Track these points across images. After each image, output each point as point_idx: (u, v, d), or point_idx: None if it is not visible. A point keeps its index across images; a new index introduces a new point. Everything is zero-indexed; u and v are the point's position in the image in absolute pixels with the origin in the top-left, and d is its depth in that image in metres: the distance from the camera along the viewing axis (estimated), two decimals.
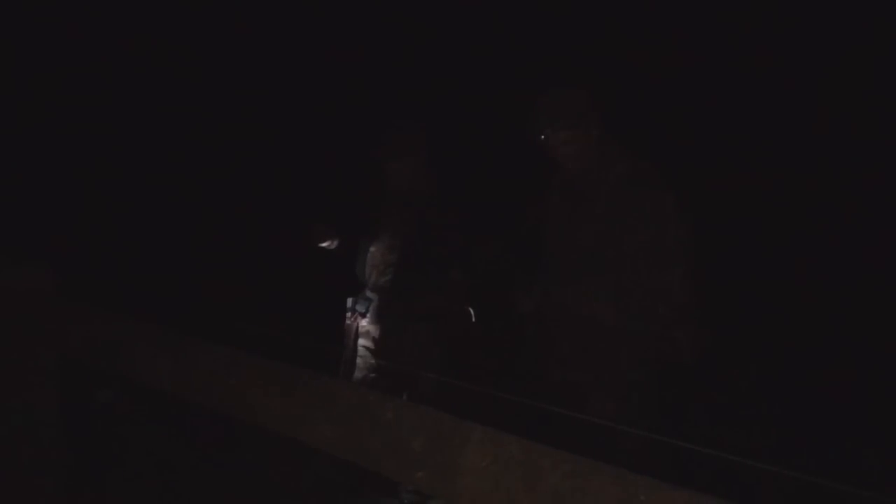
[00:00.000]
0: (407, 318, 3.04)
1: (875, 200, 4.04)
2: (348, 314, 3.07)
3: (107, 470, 2.60)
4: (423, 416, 1.22)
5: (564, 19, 4.57)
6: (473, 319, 3.11)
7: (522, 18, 4.87)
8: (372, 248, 3.12)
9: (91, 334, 1.90)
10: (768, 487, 1.36)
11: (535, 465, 1.06)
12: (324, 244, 3.08)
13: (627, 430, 1.59)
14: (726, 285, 3.99)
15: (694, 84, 4.35)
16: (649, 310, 2.44)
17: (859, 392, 3.47)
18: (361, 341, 3.07)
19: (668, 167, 2.51)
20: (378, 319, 3.06)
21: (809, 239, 4.12)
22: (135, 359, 1.75)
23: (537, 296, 2.64)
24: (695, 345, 2.46)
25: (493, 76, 4.69)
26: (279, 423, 1.42)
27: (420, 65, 4.92)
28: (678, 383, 2.56)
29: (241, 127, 5.23)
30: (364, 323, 3.05)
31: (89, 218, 4.67)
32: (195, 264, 4.69)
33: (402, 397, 1.64)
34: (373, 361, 3.07)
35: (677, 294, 2.45)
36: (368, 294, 3.07)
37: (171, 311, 2.26)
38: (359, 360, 3.08)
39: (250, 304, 4.06)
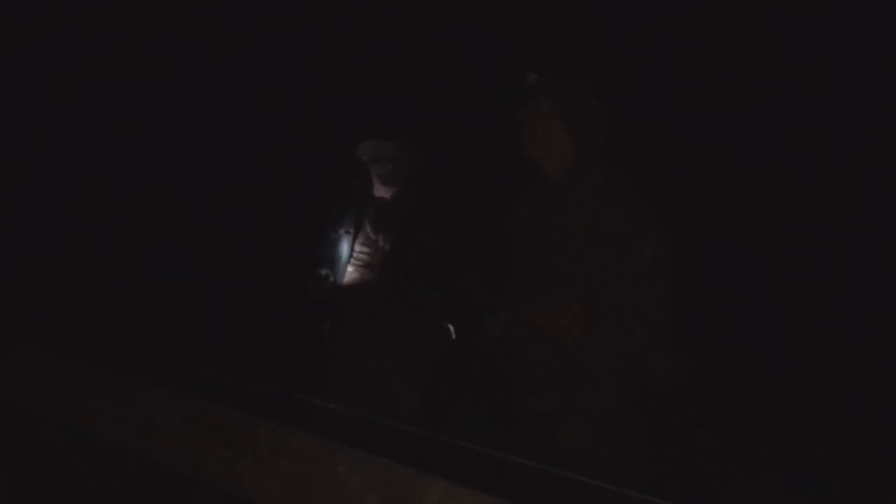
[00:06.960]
0: (392, 338, 2.90)
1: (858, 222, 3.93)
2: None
3: None
4: (378, 471, 1.10)
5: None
6: (454, 337, 2.98)
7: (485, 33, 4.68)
8: (350, 269, 2.98)
9: (28, 376, 1.76)
10: None
11: None
12: (321, 296, 2.93)
13: (608, 488, 1.45)
14: (710, 304, 3.88)
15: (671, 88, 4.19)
16: (625, 332, 2.31)
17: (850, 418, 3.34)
18: None
19: (647, 178, 2.39)
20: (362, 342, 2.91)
21: (796, 257, 3.99)
22: (71, 401, 1.60)
23: (505, 319, 2.48)
24: (676, 370, 2.33)
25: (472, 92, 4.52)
26: (221, 475, 1.28)
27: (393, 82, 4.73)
28: (658, 412, 2.42)
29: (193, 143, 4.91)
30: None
31: (24, 255, 4.32)
32: (142, 300, 4.39)
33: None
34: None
35: (655, 315, 2.32)
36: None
37: (113, 351, 2.10)
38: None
39: (201, 342, 3.82)
